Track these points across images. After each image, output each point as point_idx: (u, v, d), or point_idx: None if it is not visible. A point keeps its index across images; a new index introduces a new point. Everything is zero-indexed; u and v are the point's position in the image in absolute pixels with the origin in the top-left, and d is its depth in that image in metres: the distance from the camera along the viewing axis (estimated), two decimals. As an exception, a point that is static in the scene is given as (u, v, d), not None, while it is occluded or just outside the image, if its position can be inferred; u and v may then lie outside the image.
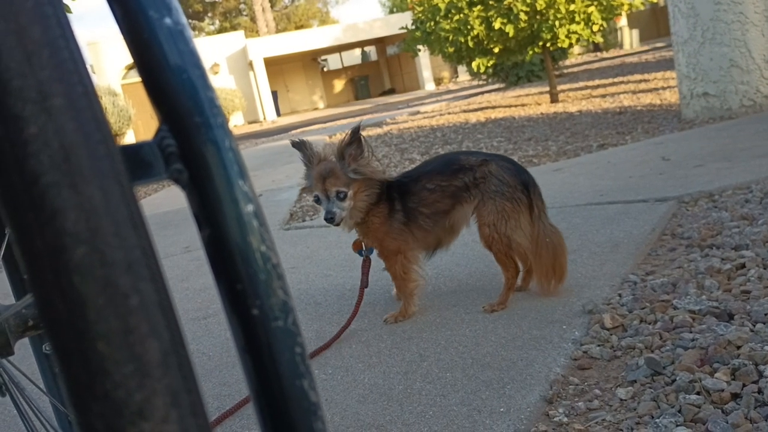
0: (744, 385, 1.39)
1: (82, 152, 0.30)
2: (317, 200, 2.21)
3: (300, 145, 2.28)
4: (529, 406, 1.55)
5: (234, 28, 37.04)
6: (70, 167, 0.30)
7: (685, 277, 2.08)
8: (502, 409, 1.55)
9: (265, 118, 25.33)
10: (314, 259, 3.28)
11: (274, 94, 26.70)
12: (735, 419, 1.28)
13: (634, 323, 1.84)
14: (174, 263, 3.74)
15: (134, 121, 17.92)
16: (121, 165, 0.32)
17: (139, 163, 0.38)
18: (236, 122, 24.78)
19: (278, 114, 26.70)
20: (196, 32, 39.43)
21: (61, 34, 0.32)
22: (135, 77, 24.88)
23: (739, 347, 1.55)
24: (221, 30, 38.45)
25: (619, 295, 2.07)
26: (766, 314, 1.70)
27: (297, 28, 38.08)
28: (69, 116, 0.31)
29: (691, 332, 1.70)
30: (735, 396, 1.38)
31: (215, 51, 25.55)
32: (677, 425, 1.32)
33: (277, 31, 35.03)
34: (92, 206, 0.30)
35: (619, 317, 1.89)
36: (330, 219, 2.17)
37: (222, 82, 25.11)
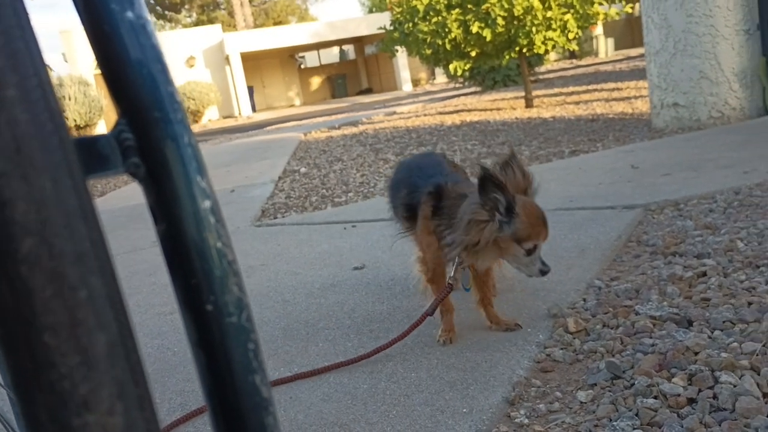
0: (700, 390, 1.43)
1: (35, 144, 0.30)
2: (532, 251, 1.81)
3: (491, 177, 1.73)
4: (491, 407, 1.56)
5: (211, 21, 36.68)
6: (21, 158, 0.30)
7: (648, 284, 2.12)
8: (464, 410, 1.56)
9: (240, 113, 25.15)
10: (284, 257, 3.27)
11: (250, 90, 26.51)
12: (690, 423, 1.31)
13: (596, 328, 1.88)
14: (142, 257, 3.70)
15: (106, 111, 17.65)
16: (74, 157, 0.32)
17: (95, 155, 0.38)
18: (211, 116, 24.55)
19: (254, 109, 26.51)
20: (173, 24, 38.98)
21: (17, 23, 0.32)
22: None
23: (696, 353, 1.58)
24: (198, 23, 38.05)
25: (584, 300, 2.10)
26: (724, 322, 1.74)
27: (275, 24, 37.88)
28: (22, 107, 0.31)
29: (651, 338, 1.73)
30: (691, 401, 1.41)
31: (191, 44, 25.29)
32: (634, 428, 1.35)
33: (255, 26, 34.78)
34: (42, 198, 0.30)
35: (583, 321, 1.92)
36: (547, 273, 1.85)
37: (198, 76, 24.85)
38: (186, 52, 25.01)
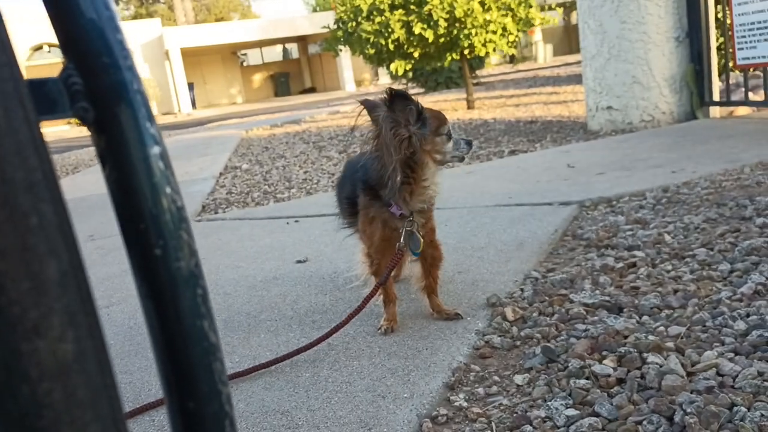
0: (628, 371, 1.49)
1: (-15, 72, 0.31)
2: (449, 136, 1.95)
3: (401, 93, 1.85)
4: (431, 392, 1.59)
5: (150, 15, 35.79)
6: (-29, 85, 0.30)
7: (582, 274, 2.20)
8: (405, 395, 1.59)
9: (180, 110, 24.62)
10: (225, 251, 3.23)
11: (191, 86, 26.00)
12: (619, 401, 1.38)
13: (533, 315, 1.94)
14: (76, 251, 3.59)
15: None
16: (25, 90, 0.33)
17: (43, 98, 0.38)
18: (149, 113, 23.90)
19: (194, 106, 26.00)
20: (110, 17, 37.74)
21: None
22: (41, 59, 23.61)
23: (626, 337, 1.66)
24: (137, 16, 37.05)
25: (521, 290, 2.17)
26: (651, 308, 1.83)
27: (217, 20, 37.22)
28: (-28, 37, 0.31)
29: (584, 324, 1.80)
30: (620, 381, 1.48)
31: (129, 38, 24.53)
32: (567, 407, 1.40)
33: (196, 21, 34.11)
34: (-7, 125, 0.30)
35: (520, 310, 1.98)
36: (471, 142, 2.02)
37: (135, 71, 24.17)
38: (123, 46, 24.25)
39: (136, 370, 1.94)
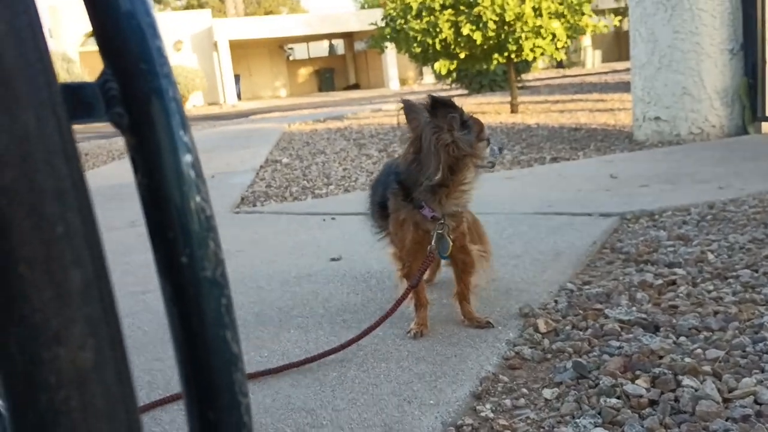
0: (662, 393, 1.45)
1: (21, 79, 0.31)
2: (489, 141, 1.97)
3: (442, 101, 1.84)
4: (458, 400, 1.58)
5: (201, 6, 36.38)
6: (6, 92, 0.30)
7: (619, 289, 2.15)
8: (431, 402, 1.58)
9: (225, 101, 24.97)
10: (261, 245, 3.26)
11: (237, 78, 26.35)
12: (650, 424, 1.34)
13: (566, 328, 1.90)
14: (117, 237, 3.67)
15: (89, 90, 17.40)
16: (59, 99, 0.33)
17: (79, 102, 0.38)
18: (195, 102, 24.34)
19: (239, 98, 26.35)
20: (162, 6, 38.56)
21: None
22: (94, 45, 24.09)
23: (661, 357, 1.62)
24: (188, 7, 37.71)
25: (555, 302, 2.13)
26: (690, 329, 1.78)
27: (266, 13, 37.66)
28: (11, 43, 0.31)
29: (618, 340, 1.76)
30: (653, 402, 1.44)
31: (180, 28, 25.04)
32: (596, 426, 1.37)
33: (246, 14, 34.56)
34: (26, 132, 0.30)
35: (553, 322, 1.95)
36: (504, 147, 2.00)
37: (184, 61, 24.62)
38: (174, 36, 24.76)
39: (167, 358, 1.97)
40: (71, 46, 22.06)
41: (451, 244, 1.94)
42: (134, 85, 0.40)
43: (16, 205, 0.30)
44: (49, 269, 0.30)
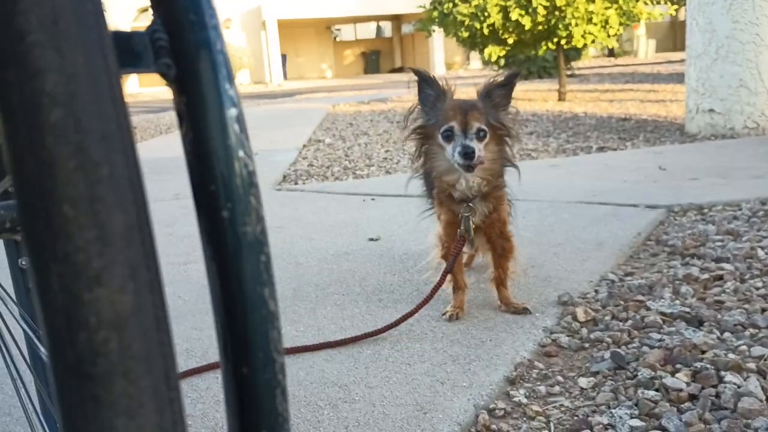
0: (703, 388, 1.42)
1: (72, 18, 0.31)
2: (448, 136, 1.83)
3: (425, 76, 1.95)
4: (491, 384, 1.57)
5: (251, -15, 36.53)
6: (57, 30, 0.30)
7: (663, 282, 2.10)
8: (464, 384, 1.57)
9: (271, 80, 25.15)
10: (301, 222, 3.29)
11: (284, 57, 26.47)
12: (689, 418, 1.31)
13: (605, 318, 1.87)
14: (162, 208, 3.74)
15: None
16: (109, 40, 0.33)
17: (128, 51, 0.38)
18: (242, 80, 24.56)
19: (285, 77, 26.49)
20: (213, -15, 38.82)
21: None
22: (147, 21, 24.49)
23: (704, 352, 1.57)
24: (238, -14, 37.91)
25: (596, 291, 2.09)
26: (735, 325, 1.73)
27: (315, -6, 37.61)
28: (62, -17, 0.31)
29: (659, 333, 1.72)
30: (692, 397, 1.40)
31: (229, 6, 25.23)
32: (632, 417, 1.34)
33: (295, -6, 34.58)
34: (74, 72, 0.30)
35: (592, 311, 1.91)
36: (470, 154, 1.75)
37: (232, 39, 24.85)
38: (223, 14, 24.99)
39: (206, 328, 2.00)
40: (124, 21, 22.46)
41: (473, 227, 1.92)
42: (183, 36, 0.39)
43: (62, 144, 0.30)
44: (92, 210, 0.30)
